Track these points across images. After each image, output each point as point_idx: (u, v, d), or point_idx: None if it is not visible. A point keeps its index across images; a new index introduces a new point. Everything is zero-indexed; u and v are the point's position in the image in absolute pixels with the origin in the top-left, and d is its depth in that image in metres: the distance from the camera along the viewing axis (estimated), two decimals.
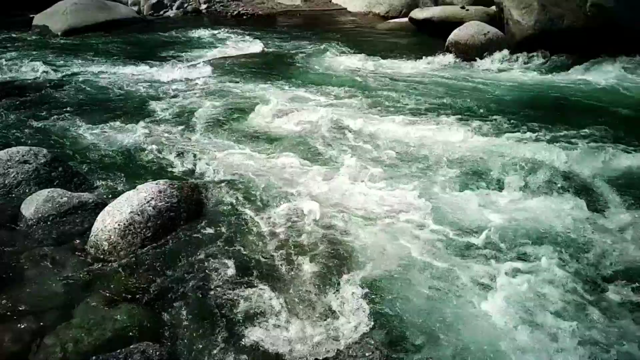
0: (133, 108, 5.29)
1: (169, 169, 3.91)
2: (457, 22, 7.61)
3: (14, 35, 9.28)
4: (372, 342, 2.26)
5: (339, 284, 2.63)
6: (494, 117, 4.71)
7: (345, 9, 11.78)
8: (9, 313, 2.45)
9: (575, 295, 2.50)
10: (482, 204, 3.27)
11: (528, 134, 4.29)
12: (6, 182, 3.43)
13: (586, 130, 4.34)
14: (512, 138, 4.23)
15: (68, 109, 5.27)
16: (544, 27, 6.73)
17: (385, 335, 2.31)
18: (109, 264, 2.79)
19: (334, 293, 2.57)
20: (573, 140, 4.19)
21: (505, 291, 2.51)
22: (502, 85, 5.77)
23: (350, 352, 2.23)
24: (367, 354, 2.20)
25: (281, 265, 2.79)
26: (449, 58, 6.86)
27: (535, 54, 6.65)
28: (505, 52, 6.70)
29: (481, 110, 4.92)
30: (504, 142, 4.17)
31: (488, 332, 2.30)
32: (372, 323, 2.37)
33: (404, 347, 2.25)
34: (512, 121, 4.59)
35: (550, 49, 6.64)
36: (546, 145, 4.04)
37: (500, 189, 3.50)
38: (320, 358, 2.22)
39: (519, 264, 2.71)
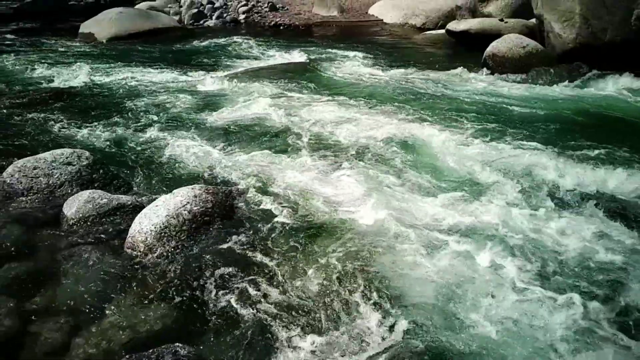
0: (172, 114, 5.43)
1: (204, 175, 3.98)
2: (495, 35, 7.50)
3: (62, 41, 9.72)
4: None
5: (370, 299, 2.60)
6: (531, 132, 4.60)
7: (382, 20, 11.82)
8: (48, 308, 2.55)
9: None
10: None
11: (566, 152, 4.13)
12: (50, 182, 3.58)
13: (630, 149, 4.16)
14: (549, 155, 4.08)
15: (109, 113, 5.47)
16: (586, 40, 6.56)
17: None
18: (144, 265, 2.86)
19: (365, 306, 2.56)
20: (617, 160, 3.99)
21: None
22: (541, 99, 5.63)
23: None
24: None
25: (312, 274, 2.79)
26: (486, 70, 6.78)
27: (575, 68, 6.49)
28: (545, 65, 6.55)
29: (519, 125, 4.80)
30: (543, 159, 4.01)
31: None
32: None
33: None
34: (550, 137, 4.46)
35: (592, 63, 6.46)
36: (585, 165, 3.90)
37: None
38: None
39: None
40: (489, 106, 5.37)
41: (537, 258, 2.85)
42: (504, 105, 5.39)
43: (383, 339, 2.34)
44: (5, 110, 5.56)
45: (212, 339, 2.36)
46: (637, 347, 2.25)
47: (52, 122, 5.15)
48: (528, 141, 4.38)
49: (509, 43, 6.87)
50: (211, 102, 5.79)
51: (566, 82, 6.18)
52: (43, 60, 7.86)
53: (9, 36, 10.44)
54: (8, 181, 3.55)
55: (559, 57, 6.73)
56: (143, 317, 2.49)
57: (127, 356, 2.19)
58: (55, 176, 3.61)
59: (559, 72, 6.44)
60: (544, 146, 4.26)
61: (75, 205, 3.28)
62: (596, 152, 4.11)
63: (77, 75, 6.94)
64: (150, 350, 2.19)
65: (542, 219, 3.21)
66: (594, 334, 2.32)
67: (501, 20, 8.44)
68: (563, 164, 3.92)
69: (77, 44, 9.61)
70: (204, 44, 9.65)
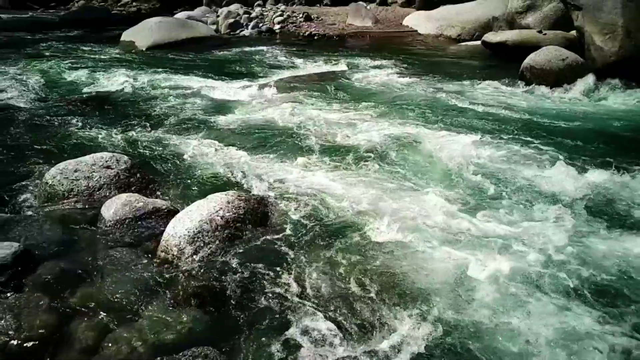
0: (207, 121, 5.54)
1: (237, 181, 4.03)
2: (533, 47, 7.35)
3: (104, 49, 10.08)
4: None
5: (403, 311, 2.57)
6: (577, 149, 4.44)
7: (416, 31, 11.77)
8: (84, 307, 2.61)
9: None
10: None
11: (603, 170, 3.96)
12: (90, 185, 3.69)
13: None
14: (585, 171, 3.95)
15: (147, 118, 5.62)
16: (629, 54, 6.37)
17: None
18: (177, 269, 2.91)
19: (403, 321, 2.51)
20: None
21: None
22: (580, 114, 5.47)
23: None
24: None
25: (342, 283, 2.78)
26: (523, 83, 6.65)
27: (618, 82, 6.30)
28: (585, 79, 6.38)
29: (554, 140, 4.66)
30: (599, 178, 3.86)
31: None
32: None
33: None
34: (587, 154, 4.30)
35: (635, 77, 6.26)
36: (622, 181, 3.75)
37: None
38: None
39: None
40: (526, 121, 5.23)
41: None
42: (543, 120, 5.25)
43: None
44: (49, 114, 5.79)
45: (241, 344, 2.37)
46: None
47: (93, 126, 5.33)
48: (575, 159, 4.19)
49: (548, 55, 6.72)
50: (244, 110, 5.88)
51: (608, 97, 6.00)
52: (86, 67, 8.16)
53: (54, 43, 10.89)
54: (50, 183, 3.68)
55: (600, 70, 6.54)
56: (174, 319, 2.52)
57: (157, 358, 2.22)
58: (95, 179, 3.72)
59: (600, 86, 6.27)
60: (597, 165, 4.07)
61: (113, 207, 3.37)
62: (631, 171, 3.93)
63: (117, 82, 7.17)
64: (181, 353, 2.22)
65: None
66: None
67: (540, 32, 8.28)
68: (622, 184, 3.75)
69: (118, 51, 9.93)
70: (239, 53, 9.83)
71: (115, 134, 5.12)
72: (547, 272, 2.78)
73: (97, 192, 3.67)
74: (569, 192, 3.66)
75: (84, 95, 6.62)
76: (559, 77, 6.50)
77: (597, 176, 3.85)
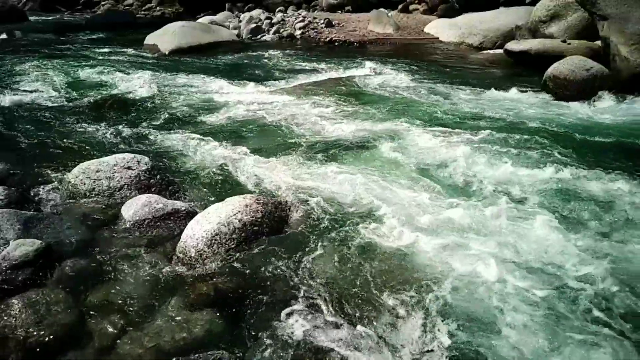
0: (226, 125, 5.59)
1: (256, 185, 4.05)
2: (556, 56, 7.24)
3: (128, 52, 10.26)
4: None
5: (423, 325, 2.53)
6: (601, 161, 4.33)
7: (438, 38, 11.71)
8: (102, 306, 2.65)
9: None
10: None
11: (623, 181, 3.88)
12: (111, 185, 3.74)
13: None
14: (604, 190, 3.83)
15: (168, 121, 5.70)
16: None
17: None
18: (194, 271, 2.93)
19: (425, 338, 2.48)
20: None
21: None
22: (603, 126, 5.35)
23: None
24: None
25: (360, 288, 2.77)
26: (546, 93, 6.55)
27: None
28: (611, 90, 6.26)
29: (575, 154, 4.53)
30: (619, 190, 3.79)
31: None
32: None
33: None
34: (608, 170, 4.14)
35: None
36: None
37: None
38: None
39: None
40: (548, 132, 5.12)
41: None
42: (566, 131, 5.13)
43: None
44: (73, 114, 5.91)
45: (256, 348, 2.37)
46: None
47: (116, 127, 5.42)
48: (596, 171, 4.09)
49: (572, 65, 6.61)
50: (263, 115, 5.90)
51: (632, 109, 5.87)
52: (110, 69, 8.31)
53: (80, 45, 11.14)
54: (73, 182, 3.75)
55: (626, 82, 6.41)
56: (190, 321, 2.53)
57: (174, 359, 2.24)
58: (116, 179, 3.77)
59: (626, 98, 6.14)
60: (620, 177, 3.98)
61: (133, 208, 3.41)
62: None
63: (140, 84, 7.29)
64: (197, 355, 2.22)
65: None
66: None
67: (564, 41, 8.17)
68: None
69: (142, 54, 10.10)
70: (260, 57, 9.90)
71: (137, 135, 5.20)
72: None
73: (118, 192, 3.72)
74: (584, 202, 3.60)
75: (108, 97, 6.73)
76: (582, 88, 6.38)
77: (616, 186, 3.79)
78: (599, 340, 2.37)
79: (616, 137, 4.97)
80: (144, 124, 5.59)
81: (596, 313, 2.55)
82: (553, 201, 3.68)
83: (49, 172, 4.19)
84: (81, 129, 5.37)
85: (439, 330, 2.46)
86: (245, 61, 9.60)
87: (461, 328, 2.47)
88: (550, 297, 2.66)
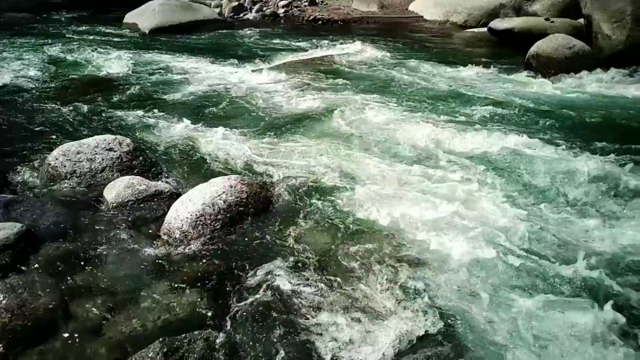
0: (209, 105, 5.51)
1: (239, 166, 4.02)
2: (539, 35, 7.27)
3: (107, 30, 10.00)
4: None
5: (410, 292, 2.60)
6: (578, 137, 4.39)
7: (422, 17, 11.64)
8: (86, 288, 2.63)
9: None
10: None
11: (601, 157, 3.93)
12: (92, 167, 3.68)
13: None
14: (583, 158, 3.90)
15: (150, 101, 5.60)
16: (637, 42, 6.30)
17: None
18: (179, 252, 2.92)
19: (403, 303, 2.54)
20: None
21: None
22: (584, 103, 5.41)
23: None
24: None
25: (348, 268, 2.79)
26: (528, 71, 6.58)
27: (625, 70, 6.23)
28: (592, 67, 6.31)
29: (555, 128, 4.62)
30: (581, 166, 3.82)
31: None
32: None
33: None
34: (588, 142, 4.24)
35: None
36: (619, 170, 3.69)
37: None
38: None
39: None
40: (528, 108, 5.16)
41: None
42: (546, 108, 5.18)
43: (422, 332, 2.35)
44: (51, 95, 5.76)
45: (243, 327, 2.38)
46: None
47: (95, 108, 5.31)
48: (577, 148, 4.14)
49: (554, 43, 6.64)
50: (247, 95, 5.84)
51: (614, 86, 5.94)
52: (88, 48, 8.10)
53: (58, 24, 10.80)
54: (53, 164, 3.68)
55: (607, 59, 6.48)
56: (176, 302, 2.53)
57: (160, 339, 2.23)
58: (97, 161, 3.71)
59: (607, 75, 6.20)
60: (596, 151, 4.06)
61: (115, 190, 3.37)
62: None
63: (120, 64, 7.13)
64: (183, 335, 2.22)
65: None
66: None
67: (547, 19, 8.19)
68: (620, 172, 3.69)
69: (121, 33, 9.86)
70: (242, 36, 9.75)
71: (118, 116, 5.10)
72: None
73: (100, 175, 3.67)
74: (572, 183, 3.64)
75: (86, 77, 6.58)
76: (565, 66, 6.42)
77: (593, 163, 3.80)
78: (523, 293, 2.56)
79: (588, 113, 5.02)
80: (124, 105, 5.48)
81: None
82: (506, 171, 3.82)
83: (28, 154, 4.10)
84: (59, 111, 5.24)
85: (402, 282, 2.64)
86: (227, 40, 9.44)
87: (415, 276, 2.69)
88: (493, 259, 2.80)
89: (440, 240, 2.97)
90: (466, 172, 3.81)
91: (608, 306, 2.41)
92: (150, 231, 3.13)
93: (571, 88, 5.94)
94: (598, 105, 5.33)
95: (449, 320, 2.42)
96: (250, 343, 2.30)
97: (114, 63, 7.19)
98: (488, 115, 5.00)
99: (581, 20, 7.66)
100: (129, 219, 3.21)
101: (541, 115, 4.96)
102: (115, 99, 5.69)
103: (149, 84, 6.28)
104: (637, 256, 2.82)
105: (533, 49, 6.75)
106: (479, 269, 2.75)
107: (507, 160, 3.98)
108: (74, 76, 6.60)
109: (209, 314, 2.45)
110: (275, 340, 2.31)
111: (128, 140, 3.93)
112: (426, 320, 2.41)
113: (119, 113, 5.18)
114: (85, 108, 5.30)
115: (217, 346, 2.18)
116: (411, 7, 12.35)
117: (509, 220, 3.15)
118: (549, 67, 6.50)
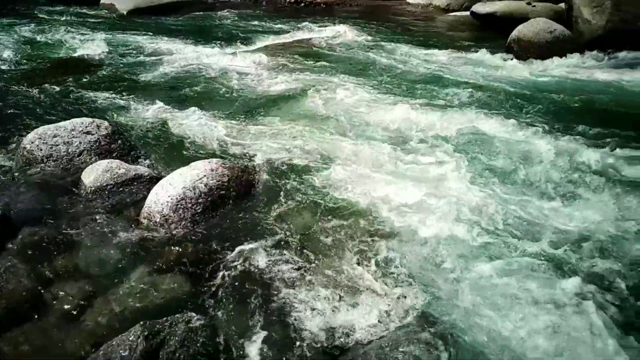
0: (189, 88, 5.42)
1: (220, 149, 3.98)
2: (521, 19, 7.30)
3: (83, 11, 9.72)
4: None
5: (384, 265, 2.66)
6: (552, 120, 4.46)
7: (405, 0, 11.58)
8: (65, 273, 2.59)
9: None
10: None
11: (586, 140, 4.01)
12: (69, 150, 3.60)
13: None
14: (561, 141, 3.97)
15: (128, 84, 5.48)
16: (616, 27, 6.37)
17: None
18: (160, 235, 2.89)
19: (379, 275, 2.60)
20: None
21: None
22: (563, 87, 5.46)
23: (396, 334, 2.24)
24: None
25: (327, 246, 2.82)
26: (510, 55, 6.61)
27: (604, 55, 6.31)
28: (572, 52, 6.38)
29: (534, 111, 4.68)
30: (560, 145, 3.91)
31: None
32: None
33: None
34: (565, 125, 4.31)
35: (621, 50, 6.28)
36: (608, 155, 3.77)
37: None
38: (363, 342, 2.23)
39: None
40: (508, 92, 5.18)
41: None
42: (525, 92, 5.22)
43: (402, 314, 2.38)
44: (25, 78, 5.59)
45: (224, 309, 2.38)
46: None
47: (72, 91, 5.18)
48: (550, 130, 4.22)
49: (536, 27, 6.68)
50: (227, 77, 5.76)
51: (593, 70, 6.00)
52: (64, 29, 7.87)
53: (30, 4, 10.45)
54: (28, 147, 3.58)
55: (587, 43, 6.55)
56: (157, 286, 2.51)
57: (140, 323, 2.21)
58: (75, 144, 3.63)
59: (586, 59, 6.27)
60: (573, 134, 4.13)
61: (94, 174, 3.30)
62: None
63: (97, 46, 6.94)
64: (164, 319, 2.21)
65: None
66: None
67: (529, 3, 8.22)
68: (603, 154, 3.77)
69: (98, 14, 9.60)
70: (223, 18, 9.58)
71: (95, 99, 4.99)
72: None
73: (77, 158, 3.59)
74: (540, 164, 3.70)
75: (61, 60, 6.41)
76: (545, 50, 6.47)
77: (571, 146, 3.89)
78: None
79: (565, 97, 5.06)
80: (102, 87, 5.35)
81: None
82: (479, 152, 3.87)
83: (1, 137, 3.99)
84: (33, 93, 5.09)
85: (376, 255, 2.75)
86: (208, 22, 9.26)
87: (388, 248, 2.80)
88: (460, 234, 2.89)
89: (412, 217, 3.04)
90: (439, 153, 3.87)
91: (566, 276, 2.53)
92: (130, 215, 3.09)
93: (549, 72, 6.00)
94: (574, 88, 5.39)
95: (419, 288, 2.51)
96: (231, 324, 2.30)
97: (89, 44, 7.00)
98: (465, 99, 5.04)
99: (562, 5, 7.71)
100: (108, 203, 3.16)
101: (517, 99, 5.00)
102: (91, 82, 5.55)
103: (124, 66, 6.14)
104: (597, 233, 2.91)
105: (514, 33, 6.78)
106: (447, 243, 2.82)
107: (479, 142, 4.02)
108: (48, 59, 6.42)
109: (190, 297, 2.44)
110: (255, 319, 2.32)
111: (106, 124, 3.85)
112: (397, 287, 2.51)
113: (94, 95, 5.06)
114: (59, 90, 5.17)
115: (198, 328, 2.17)
116: None
117: (479, 199, 3.22)
118: (529, 51, 6.54)
